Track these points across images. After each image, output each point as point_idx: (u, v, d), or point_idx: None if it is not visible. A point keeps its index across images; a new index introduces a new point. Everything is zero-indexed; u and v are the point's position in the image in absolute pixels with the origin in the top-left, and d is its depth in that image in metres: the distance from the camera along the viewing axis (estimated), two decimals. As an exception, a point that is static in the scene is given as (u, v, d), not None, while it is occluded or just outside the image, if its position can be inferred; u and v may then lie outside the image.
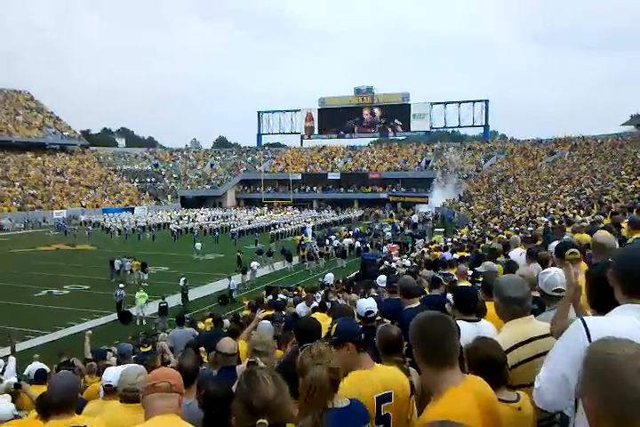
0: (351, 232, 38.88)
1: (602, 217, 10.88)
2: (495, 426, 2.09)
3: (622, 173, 29.96)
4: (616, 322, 1.78)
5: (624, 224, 7.43)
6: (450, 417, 1.90)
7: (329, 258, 30.88)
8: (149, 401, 2.32)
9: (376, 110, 74.45)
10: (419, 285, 7.13)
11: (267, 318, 6.70)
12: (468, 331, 3.10)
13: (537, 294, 3.47)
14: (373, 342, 3.22)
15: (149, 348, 9.65)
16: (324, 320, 7.02)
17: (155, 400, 2.29)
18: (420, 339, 2.08)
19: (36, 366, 9.60)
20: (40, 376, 6.65)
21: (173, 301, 20.09)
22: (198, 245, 32.16)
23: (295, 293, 15.63)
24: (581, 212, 16.39)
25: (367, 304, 4.46)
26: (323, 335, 4.01)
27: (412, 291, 5.19)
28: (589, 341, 1.70)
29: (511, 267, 5.74)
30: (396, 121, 73.17)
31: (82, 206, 59.65)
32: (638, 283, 1.86)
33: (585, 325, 1.78)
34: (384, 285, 8.96)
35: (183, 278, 20.95)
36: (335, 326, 2.82)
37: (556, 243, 5.88)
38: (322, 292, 13.51)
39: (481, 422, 1.96)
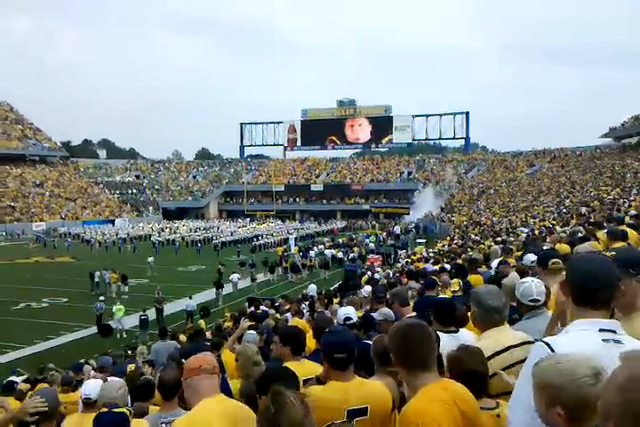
0: (333, 243, 38.94)
1: (580, 228, 11.05)
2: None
3: (601, 184, 30.48)
4: (579, 340, 1.76)
5: (600, 235, 7.54)
6: (425, 411, 1.97)
7: (312, 269, 30.85)
8: (196, 382, 2.57)
9: (359, 122, 74.97)
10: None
11: (250, 327, 6.67)
12: (447, 342, 3.13)
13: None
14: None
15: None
16: (303, 327, 7.04)
17: (202, 381, 2.56)
18: (398, 344, 2.24)
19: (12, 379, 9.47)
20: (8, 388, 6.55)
21: (154, 313, 19.89)
22: (150, 258, 31.04)
23: (277, 304, 15.60)
24: (560, 223, 16.61)
25: (346, 311, 4.60)
26: (309, 343, 4.02)
27: (408, 300, 5.24)
28: None
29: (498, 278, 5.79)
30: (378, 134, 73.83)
31: (62, 218, 59.00)
32: (588, 295, 1.87)
33: (549, 346, 1.76)
34: (367, 295, 8.99)
35: (157, 291, 20.81)
36: (324, 336, 2.84)
37: (531, 255, 5.97)
38: (306, 303, 13.54)
39: (460, 420, 2.02)
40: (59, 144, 78.18)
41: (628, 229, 7.20)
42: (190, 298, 20.56)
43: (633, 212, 12.67)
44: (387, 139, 73.98)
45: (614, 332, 1.77)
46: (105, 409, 3.20)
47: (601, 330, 1.77)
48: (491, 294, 3.00)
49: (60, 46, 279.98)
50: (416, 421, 1.94)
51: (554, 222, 18.02)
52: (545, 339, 1.84)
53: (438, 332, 3.34)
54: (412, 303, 5.61)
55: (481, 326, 3.01)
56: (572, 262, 2.02)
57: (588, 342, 1.72)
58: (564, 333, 1.91)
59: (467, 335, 3.55)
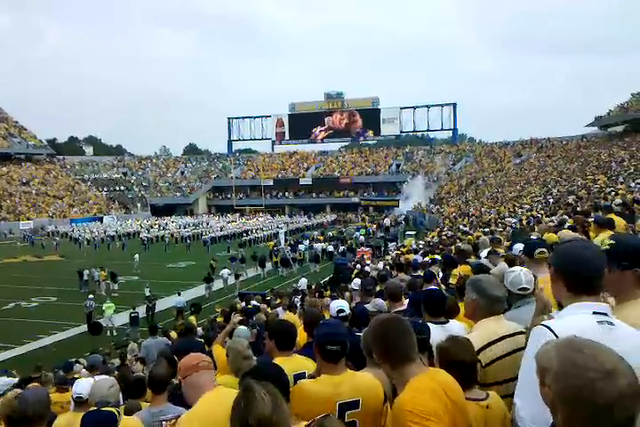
0: (323, 236, 38.90)
1: (567, 217, 11.13)
2: (463, 417, 2.12)
3: (587, 173, 30.65)
4: (578, 322, 1.80)
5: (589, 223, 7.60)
6: (417, 401, 1.97)
7: (302, 263, 30.85)
8: (197, 379, 2.67)
9: (346, 115, 74.88)
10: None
11: (240, 322, 6.66)
12: (437, 333, 3.14)
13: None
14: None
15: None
16: (295, 322, 7.06)
17: (202, 376, 2.67)
18: (378, 339, 2.24)
19: (4, 380, 9.41)
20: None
21: (144, 310, 19.82)
22: (136, 256, 30.98)
23: (268, 298, 15.57)
24: (548, 212, 16.70)
25: (338, 304, 4.62)
26: (299, 338, 4.03)
27: (399, 294, 5.22)
28: None
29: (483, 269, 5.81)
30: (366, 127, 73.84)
31: (49, 217, 58.52)
32: (585, 282, 1.91)
33: (551, 329, 1.79)
34: (357, 288, 9.01)
35: (147, 289, 20.70)
36: (317, 329, 2.85)
37: (519, 245, 6.00)
38: (299, 297, 13.53)
39: (450, 408, 2.03)
40: (44, 142, 77.45)
41: (615, 217, 7.25)
42: (179, 294, 20.49)
43: (619, 200, 12.77)
44: (373, 131, 74.07)
45: (605, 315, 1.83)
46: (93, 408, 3.19)
47: (594, 313, 1.82)
48: (494, 284, 3.01)
49: (45, 43, 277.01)
50: (411, 410, 1.94)
51: (541, 212, 18.12)
52: (544, 322, 1.87)
53: (428, 323, 3.36)
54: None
55: (479, 316, 2.97)
56: (568, 250, 2.03)
57: (585, 325, 1.76)
58: (560, 317, 1.95)
59: (456, 326, 3.57)
